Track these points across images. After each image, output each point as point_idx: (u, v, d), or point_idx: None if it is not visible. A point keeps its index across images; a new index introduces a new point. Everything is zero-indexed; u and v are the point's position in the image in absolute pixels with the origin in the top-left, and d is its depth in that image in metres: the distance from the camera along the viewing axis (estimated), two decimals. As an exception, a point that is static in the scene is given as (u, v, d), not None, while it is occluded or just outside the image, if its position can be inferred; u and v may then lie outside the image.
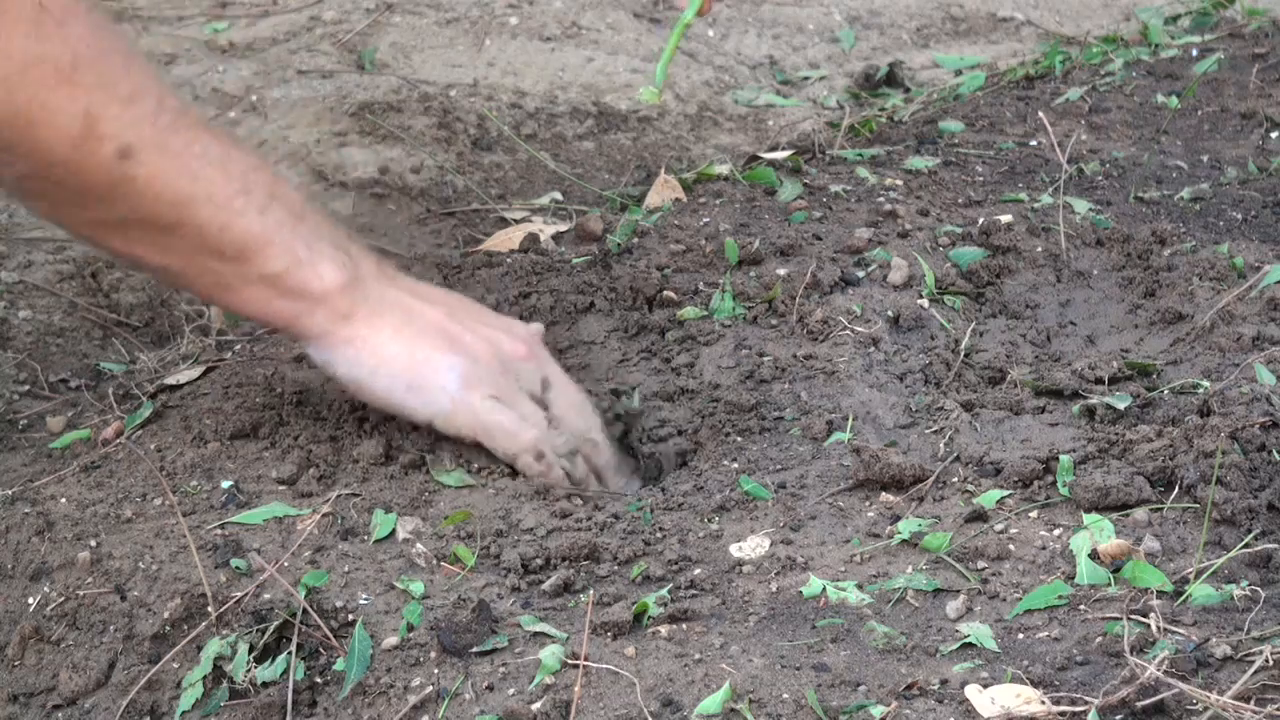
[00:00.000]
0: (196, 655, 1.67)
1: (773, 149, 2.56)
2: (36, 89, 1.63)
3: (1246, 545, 1.62)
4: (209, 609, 1.69)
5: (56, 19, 1.62)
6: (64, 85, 1.63)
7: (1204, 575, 1.58)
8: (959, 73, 3.14)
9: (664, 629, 1.59)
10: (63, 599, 1.76)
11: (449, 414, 1.85)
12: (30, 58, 1.62)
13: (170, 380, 2.05)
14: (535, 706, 1.50)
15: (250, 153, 1.80)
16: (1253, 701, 1.40)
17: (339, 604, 1.66)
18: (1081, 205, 2.33)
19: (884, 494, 1.78)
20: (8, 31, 1.61)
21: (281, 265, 1.77)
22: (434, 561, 1.72)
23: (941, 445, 1.84)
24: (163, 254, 1.76)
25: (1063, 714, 1.41)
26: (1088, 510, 1.69)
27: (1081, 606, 1.57)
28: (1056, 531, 1.68)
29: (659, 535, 1.75)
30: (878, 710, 1.45)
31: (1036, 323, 2.13)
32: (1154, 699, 1.40)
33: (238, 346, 2.14)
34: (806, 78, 3.22)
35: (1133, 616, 1.52)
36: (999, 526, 1.69)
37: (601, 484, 1.93)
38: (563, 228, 2.37)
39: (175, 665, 1.68)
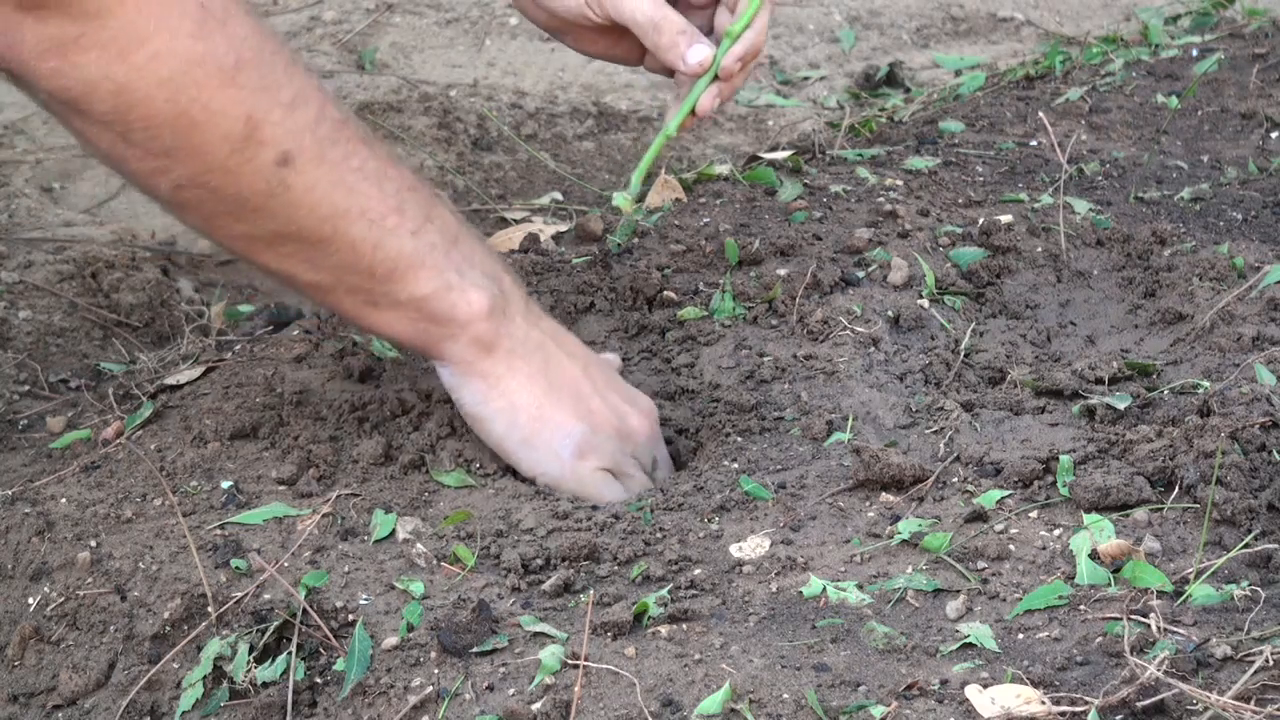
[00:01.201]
0: (196, 655, 1.67)
1: (773, 149, 2.56)
2: (200, 90, 1.58)
3: (1246, 545, 1.62)
4: (209, 609, 1.69)
5: (218, 18, 1.58)
6: (228, 87, 1.59)
7: (1204, 575, 1.58)
8: (959, 73, 3.14)
9: (664, 629, 1.59)
10: (63, 599, 1.76)
11: (556, 479, 1.83)
12: (194, 57, 1.57)
13: (170, 380, 2.05)
14: (535, 707, 1.50)
15: (409, 171, 1.75)
16: (1253, 701, 1.40)
17: (339, 604, 1.66)
18: (1081, 205, 2.33)
19: (884, 494, 1.78)
20: (171, 30, 1.57)
21: (431, 288, 1.74)
22: (434, 561, 1.72)
23: (941, 445, 1.84)
24: (313, 270, 1.72)
25: (1063, 714, 1.41)
26: (1088, 510, 1.69)
27: (1081, 606, 1.57)
28: (1056, 531, 1.68)
29: (659, 535, 1.75)
30: (878, 710, 1.45)
31: (1036, 323, 2.13)
32: (1154, 699, 1.40)
33: (238, 346, 2.14)
34: (806, 78, 3.22)
35: (1133, 616, 1.52)
36: (999, 526, 1.69)
37: None
38: (563, 228, 2.36)
39: (175, 665, 1.68)
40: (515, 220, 2.52)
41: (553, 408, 1.81)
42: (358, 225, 1.68)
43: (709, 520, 1.77)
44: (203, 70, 1.58)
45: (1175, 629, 1.51)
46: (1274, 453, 1.73)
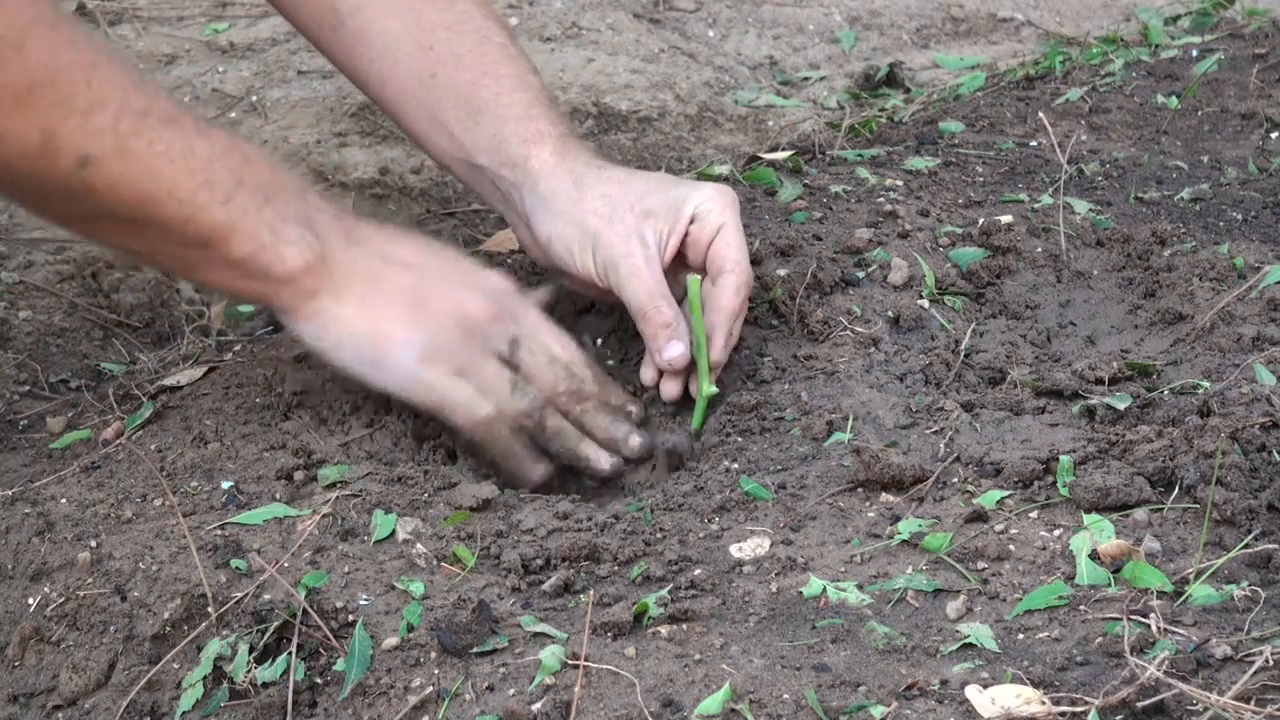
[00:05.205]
0: (196, 656, 1.67)
1: (773, 149, 2.56)
2: None
3: (1246, 545, 1.62)
4: (209, 609, 1.69)
5: (13, 44, 1.66)
6: (19, 109, 1.67)
7: (1204, 575, 1.58)
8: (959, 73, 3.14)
9: (664, 629, 1.59)
10: (63, 599, 1.76)
11: (407, 391, 1.88)
12: None
13: (170, 381, 2.06)
14: (535, 707, 1.50)
15: (218, 137, 1.82)
16: (1253, 702, 1.40)
17: (339, 604, 1.66)
18: (1081, 205, 2.33)
19: (884, 494, 1.78)
20: None
21: (245, 251, 1.81)
22: (434, 562, 1.72)
23: (941, 445, 1.84)
24: (132, 241, 1.82)
25: (1063, 714, 1.41)
26: (1088, 510, 1.69)
27: (1081, 607, 1.57)
28: (1056, 532, 1.68)
29: (659, 535, 1.75)
30: (878, 710, 1.45)
31: (1036, 323, 2.13)
32: (1154, 699, 1.41)
33: (238, 347, 2.15)
34: (806, 78, 3.22)
35: (1133, 617, 1.52)
36: (999, 527, 1.69)
37: (589, 427, 1.93)
38: (563, 228, 2.36)
39: (175, 666, 1.68)
40: (515, 220, 2.52)
41: (390, 324, 1.87)
42: (168, 206, 1.77)
43: (709, 520, 1.77)
44: None
45: (1175, 629, 1.51)
46: (1274, 453, 1.73)
